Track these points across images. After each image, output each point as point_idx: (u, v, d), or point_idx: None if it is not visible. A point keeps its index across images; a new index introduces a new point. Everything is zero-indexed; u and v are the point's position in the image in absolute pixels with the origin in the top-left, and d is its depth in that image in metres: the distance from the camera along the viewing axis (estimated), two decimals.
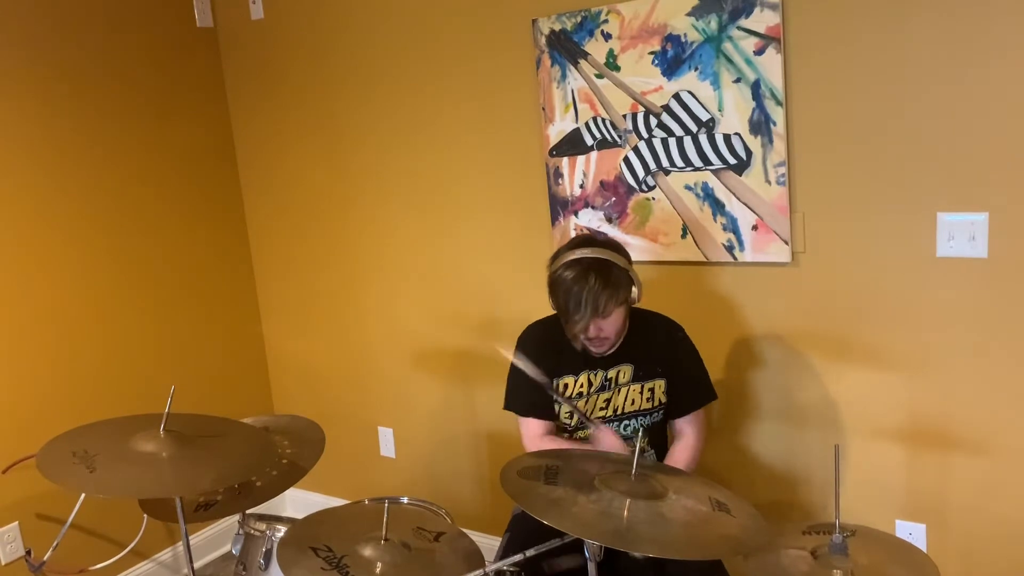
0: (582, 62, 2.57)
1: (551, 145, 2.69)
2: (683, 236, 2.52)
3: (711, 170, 2.43)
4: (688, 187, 2.48)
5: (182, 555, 3.29)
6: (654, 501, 1.66)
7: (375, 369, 3.34)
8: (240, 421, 2.31)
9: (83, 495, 2.47)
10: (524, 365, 2.23)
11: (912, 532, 2.36)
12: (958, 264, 2.17)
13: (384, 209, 3.16)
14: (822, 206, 2.32)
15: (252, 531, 2.19)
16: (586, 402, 2.21)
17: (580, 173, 2.65)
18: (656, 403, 2.22)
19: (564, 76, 2.61)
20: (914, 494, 2.35)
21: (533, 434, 2.25)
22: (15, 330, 2.83)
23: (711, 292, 2.54)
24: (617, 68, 2.52)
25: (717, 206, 2.45)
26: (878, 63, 2.17)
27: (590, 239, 2.13)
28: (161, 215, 3.25)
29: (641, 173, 2.55)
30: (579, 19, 2.54)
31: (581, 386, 2.21)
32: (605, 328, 2.08)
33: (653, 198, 2.54)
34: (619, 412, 2.21)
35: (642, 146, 2.53)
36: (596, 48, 2.54)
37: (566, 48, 2.59)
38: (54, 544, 2.60)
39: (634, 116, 2.52)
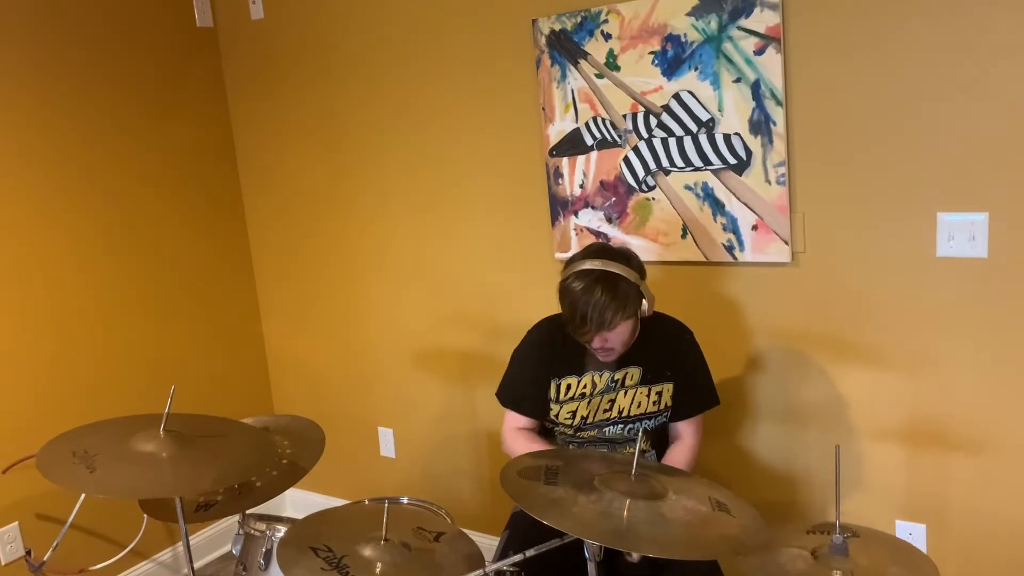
0: (582, 62, 2.57)
1: (551, 145, 2.69)
2: (683, 236, 2.52)
3: (711, 170, 2.43)
4: (688, 187, 2.48)
5: (182, 555, 3.29)
6: (654, 501, 1.66)
7: (375, 369, 3.35)
8: (240, 421, 2.31)
9: (83, 495, 2.47)
10: (524, 365, 2.24)
11: (912, 532, 2.36)
12: (958, 264, 2.17)
13: (384, 209, 3.16)
14: (822, 206, 2.32)
15: (252, 531, 2.19)
16: (588, 403, 2.21)
17: (580, 173, 2.65)
18: (662, 406, 2.21)
19: (564, 76, 2.61)
20: (914, 494, 2.35)
21: (510, 425, 2.27)
22: (15, 330, 2.83)
23: (711, 292, 2.54)
24: (617, 68, 2.52)
25: (717, 206, 2.45)
26: (878, 63, 2.17)
27: (605, 249, 2.11)
28: (161, 215, 3.25)
29: (641, 173, 2.55)
30: (579, 19, 2.54)
31: (584, 387, 2.20)
32: (611, 340, 2.07)
33: (653, 198, 2.54)
34: (624, 414, 2.21)
35: (642, 146, 2.53)
36: (596, 48, 2.54)
37: (566, 48, 2.59)
38: (54, 544, 2.61)
39: (634, 116, 2.52)
